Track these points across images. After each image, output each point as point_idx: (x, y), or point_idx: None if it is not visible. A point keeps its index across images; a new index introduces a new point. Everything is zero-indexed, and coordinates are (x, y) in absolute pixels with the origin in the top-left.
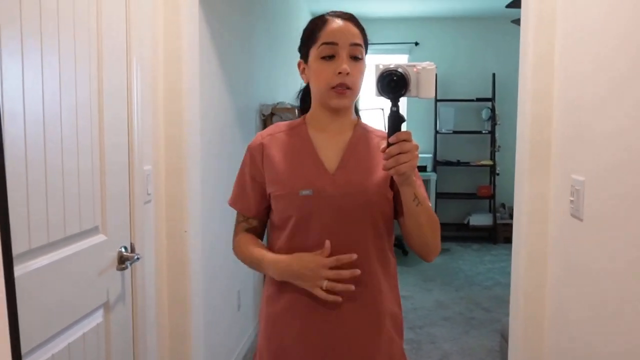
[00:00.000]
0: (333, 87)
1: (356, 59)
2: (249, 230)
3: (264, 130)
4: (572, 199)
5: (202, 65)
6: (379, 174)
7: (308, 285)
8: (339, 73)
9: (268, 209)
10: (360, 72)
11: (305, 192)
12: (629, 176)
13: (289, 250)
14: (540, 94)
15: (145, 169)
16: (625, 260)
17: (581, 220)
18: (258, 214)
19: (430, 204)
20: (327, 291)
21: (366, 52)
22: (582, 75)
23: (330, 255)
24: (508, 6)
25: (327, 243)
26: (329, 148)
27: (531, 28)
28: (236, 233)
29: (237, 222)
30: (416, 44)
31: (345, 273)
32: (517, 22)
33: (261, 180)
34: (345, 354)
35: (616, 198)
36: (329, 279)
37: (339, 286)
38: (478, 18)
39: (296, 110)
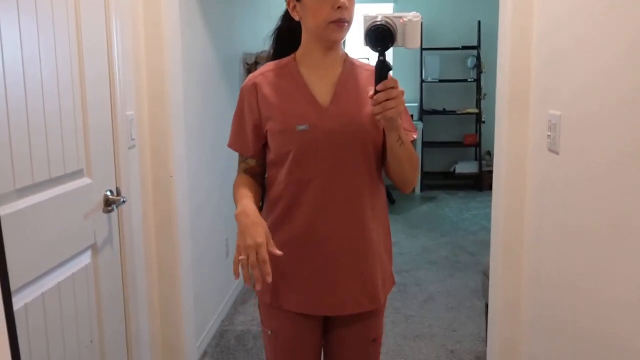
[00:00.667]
0: (332, 22)
1: None
2: (246, 171)
3: (255, 72)
4: (549, 133)
5: (182, 11)
6: (370, 106)
7: (238, 242)
8: (338, 7)
9: (265, 147)
10: (354, 5)
11: (301, 127)
12: (601, 108)
13: (289, 183)
14: (520, 29)
15: (128, 114)
16: (598, 190)
17: (557, 153)
18: (255, 154)
19: (414, 136)
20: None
21: None
22: (560, 8)
23: (326, 185)
24: None
25: (279, 253)
26: (321, 83)
27: None
28: (237, 173)
29: (238, 163)
30: None
31: (256, 272)
32: None
33: (257, 119)
34: (343, 274)
35: (589, 130)
36: (248, 259)
37: (245, 270)
38: None
39: (270, 51)
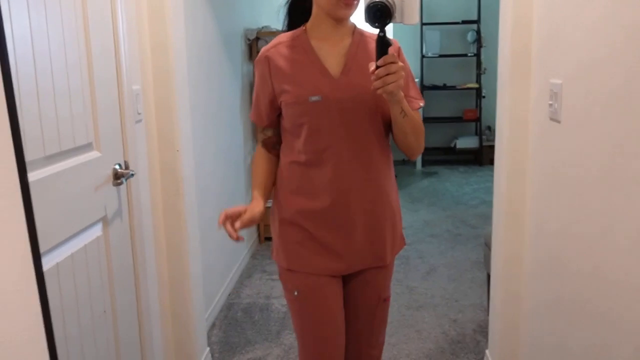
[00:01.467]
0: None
1: None
2: (265, 141)
3: (268, 44)
4: (550, 102)
5: None
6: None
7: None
8: None
9: (280, 117)
10: None
11: (314, 99)
12: (602, 76)
13: (306, 152)
14: (521, 3)
15: (134, 88)
16: (601, 158)
17: (559, 122)
18: (271, 124)
19: (421, 104)
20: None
21: None
22: None
23: (341, 153)
24: None
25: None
26: (331, 55)
27: None
28: (257, 143)
29: (257, 132)
30: None
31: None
32: None
33: (271, 92)
34: (358, 237)
35: (592, 98)
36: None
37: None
38: None
39: (285, 22)
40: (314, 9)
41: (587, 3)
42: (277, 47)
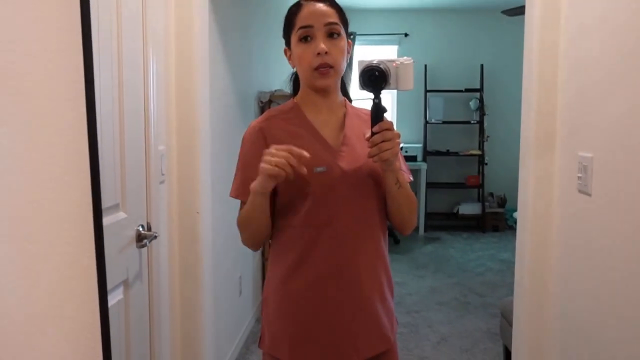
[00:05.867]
0: (315, 68)
1: (333, 37)
2: None
3: (257, 119)
4: (580, 175)
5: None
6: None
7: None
8: (318, 54)
9: (273, 193)
10: (340, 49)
11: (319, 169)
12: (635, 149)
13: (306, 226)
14: (545, 73)
15: (160, 148)
16: (635, 232)
17: (589, 195)
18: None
19: (410, 178)
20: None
21: (347, 30)
22: (590, 52)
23: (344, 227)
24: None
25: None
26: (327, 126)
27: (536, 17)
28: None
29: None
30: (406, 35)
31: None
32: (507, 12)
33: None
34: (363, 316)
35: (625, 173)
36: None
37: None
38: (467, 9)
39: (292, 93)
40: (301, 83)
41: (615, 77)
42: (271, 120)
